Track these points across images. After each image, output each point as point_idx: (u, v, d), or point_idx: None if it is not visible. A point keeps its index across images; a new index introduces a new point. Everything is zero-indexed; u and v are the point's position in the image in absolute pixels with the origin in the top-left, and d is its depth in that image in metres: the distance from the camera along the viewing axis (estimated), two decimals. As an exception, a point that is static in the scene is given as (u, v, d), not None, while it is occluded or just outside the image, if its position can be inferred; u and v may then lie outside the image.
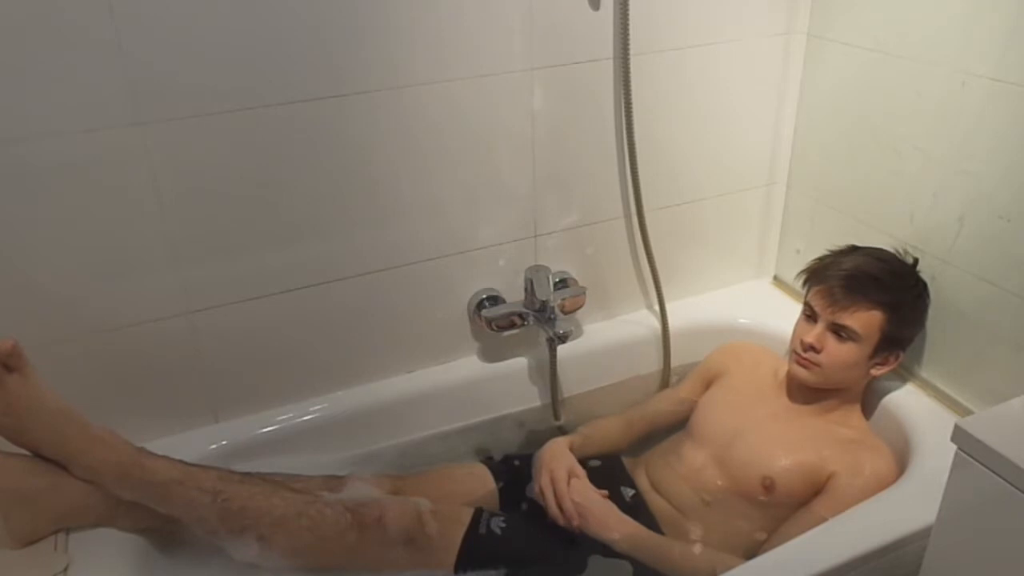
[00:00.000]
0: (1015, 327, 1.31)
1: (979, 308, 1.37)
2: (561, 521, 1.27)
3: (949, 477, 1.01)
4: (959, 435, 0.98)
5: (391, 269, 1.47)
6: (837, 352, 1.35)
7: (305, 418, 1.48)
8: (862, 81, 1.51)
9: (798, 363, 1.39)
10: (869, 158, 1.53)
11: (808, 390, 1.42)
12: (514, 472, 1.43)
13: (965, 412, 1.42)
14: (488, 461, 1.47)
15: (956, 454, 0.99)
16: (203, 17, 1.17)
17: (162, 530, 1.23)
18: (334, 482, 1.32)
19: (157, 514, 1.19)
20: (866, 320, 1.34)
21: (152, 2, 1.13)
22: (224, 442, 1.42)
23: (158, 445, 1.21)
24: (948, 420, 1.01)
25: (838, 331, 1.35)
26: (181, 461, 1.20)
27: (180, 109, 1.21)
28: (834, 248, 1.48)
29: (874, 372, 1.40)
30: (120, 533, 1.21)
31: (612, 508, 1.29)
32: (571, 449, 1.37)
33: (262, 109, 1.25)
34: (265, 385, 1.47)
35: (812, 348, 1.36)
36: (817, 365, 1.36)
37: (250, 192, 1.31)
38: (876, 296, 1.34)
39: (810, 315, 1.39)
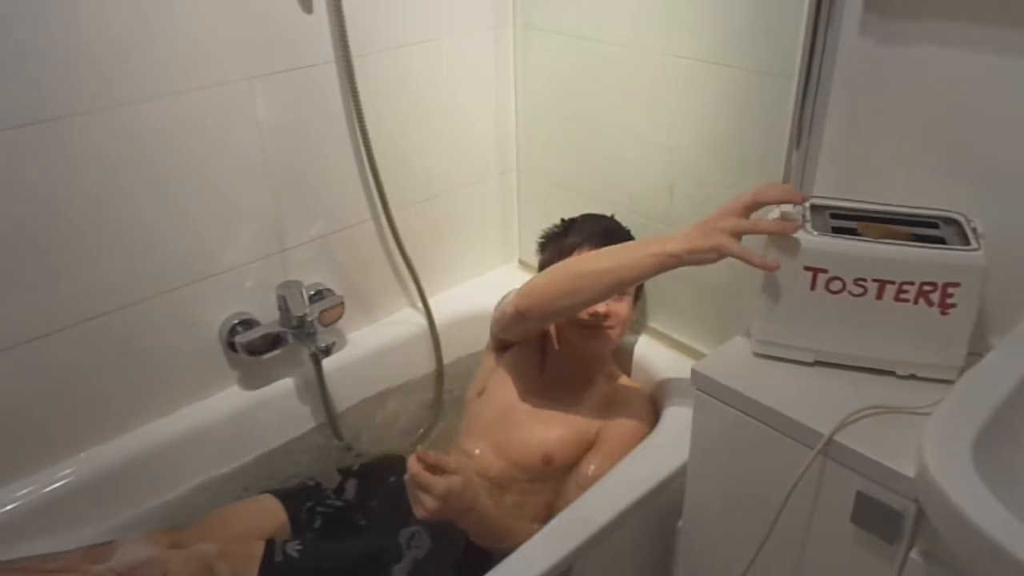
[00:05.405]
0: (726, 276, 1.44)
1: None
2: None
3: (693, 416, 1.14)
4: (696, 377, 1.10)
5: (124, 308, 1.35)
6: (620, 310, 1.44)
7: (50, 488, 1.32)
8: (571, 67, 1.61)
9: (595, 336, 1.43)
10: (585, 140, 1.65)
11: (566, 359, 1.51)
12: (304, 492, 1.37)
13: (701, 356, 1.58)
14: (276, 491, 1.39)
15: (696, 395, 1.11)
16: None
17: None
18: (99, 551, 1.17)
19: None
20: None
21: None
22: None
23: None
24: (687, 365, 1.13)
25: None
26: None
27: None
28: (547, 231, 1.58)
29: None
30: None
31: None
32: None
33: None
34: (-7, 460, 1.28)
35: (607, 315, 1.42)
36: (612, 328, 1.44)
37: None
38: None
39: None
